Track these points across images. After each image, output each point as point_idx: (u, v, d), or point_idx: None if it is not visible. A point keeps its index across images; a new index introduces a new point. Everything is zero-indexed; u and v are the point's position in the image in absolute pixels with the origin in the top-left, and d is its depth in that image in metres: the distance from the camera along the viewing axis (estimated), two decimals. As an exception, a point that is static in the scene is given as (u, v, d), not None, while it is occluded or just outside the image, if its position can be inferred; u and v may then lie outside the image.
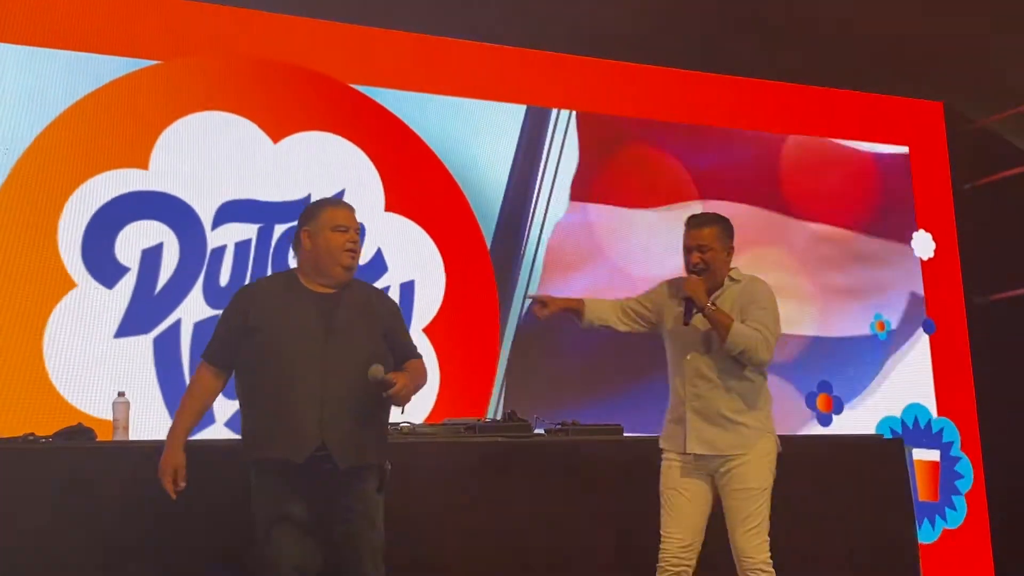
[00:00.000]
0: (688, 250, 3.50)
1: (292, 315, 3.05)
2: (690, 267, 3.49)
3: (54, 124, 4.67)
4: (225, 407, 4.70)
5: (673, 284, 3.60)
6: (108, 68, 4.81)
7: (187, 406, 3.11)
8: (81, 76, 4.76)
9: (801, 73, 6.66)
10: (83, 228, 4.66)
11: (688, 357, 3.45)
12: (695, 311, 3.39)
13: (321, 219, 3.11)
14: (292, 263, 5.00)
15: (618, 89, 6.17)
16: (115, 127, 4.80)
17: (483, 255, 5.48)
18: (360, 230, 3.20)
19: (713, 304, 3.38)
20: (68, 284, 4.58)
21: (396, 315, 3.26)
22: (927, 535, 6.41)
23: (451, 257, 5.37)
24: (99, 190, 4.72)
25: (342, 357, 3.00)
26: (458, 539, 3.74)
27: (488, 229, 5.56)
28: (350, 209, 3.20)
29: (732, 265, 3.56)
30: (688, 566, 3.39)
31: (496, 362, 5.34)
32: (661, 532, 3.43)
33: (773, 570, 3.34)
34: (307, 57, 5.30)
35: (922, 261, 6.85)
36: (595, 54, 6.11)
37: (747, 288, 3.50)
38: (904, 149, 6.94)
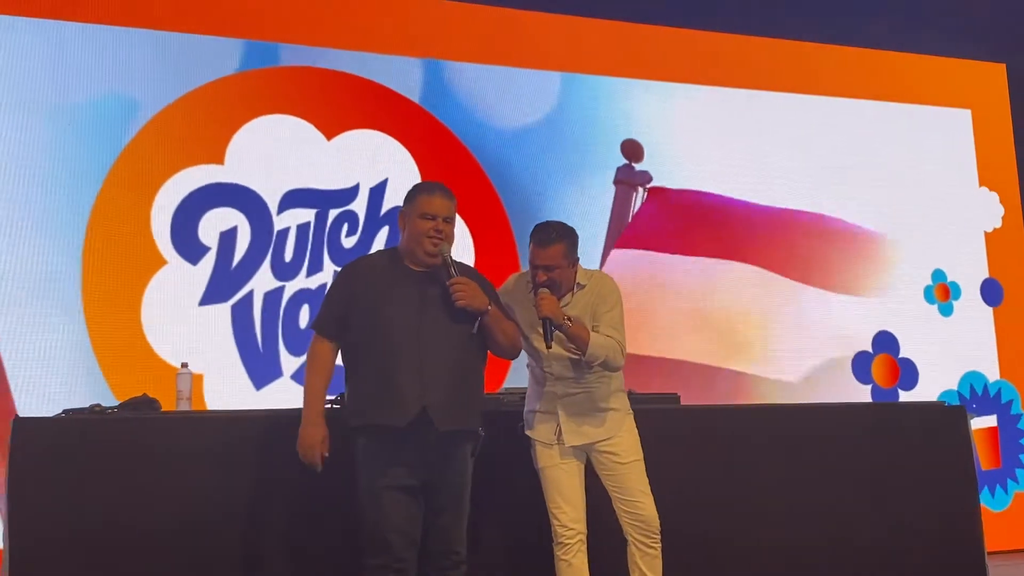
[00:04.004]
0: (534, 267, 3.42)
1: (393, 289, 3.18)
2: (536, 284, 3.42)
3: (144, 129, 5.25)
4: (291, 362, 5.36)
5: (519, 284, 3.56)
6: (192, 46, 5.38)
7: (315, 383, 3.17)
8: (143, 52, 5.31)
9: (862, 36, 6.77)
10: (171, 214, 5.24)
11: (555, 360, 3.46)
12: (554, 330, 3.33)
13: (415, 204, 3.23)
14: (346, 242, 5.53)
15: (670, 54, 6.37)
16: (195, 130, 5.36)
17: (508, 237, 5.85)
18: (451, 218, 3.25)
19: (569, 319, 3.35)
20: (160, 261, 5.21)
21: (490, 292, 3.35)
22: (1000, 503, 6.45)
23: (480, 239, 5.76)
24: (184, 183, 5.30)
25: (438, 328, 3.15)
26: (516, 504, 3.73)
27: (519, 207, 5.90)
28: (445, 197, 3.24)
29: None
30: (584, 532, 3.45)
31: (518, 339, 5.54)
32: (551, 508, 3.47)
33: None
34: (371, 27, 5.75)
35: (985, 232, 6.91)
36: (648, 20, 6.33)
37: (594, 289, 3.51)
38: (966, 112, 6.98)
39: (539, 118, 6.11)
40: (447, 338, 3.19)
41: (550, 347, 3.35)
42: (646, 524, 3.47)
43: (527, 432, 3.59)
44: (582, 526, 3.47)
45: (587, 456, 3.57)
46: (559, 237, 3.44)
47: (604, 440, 3.52)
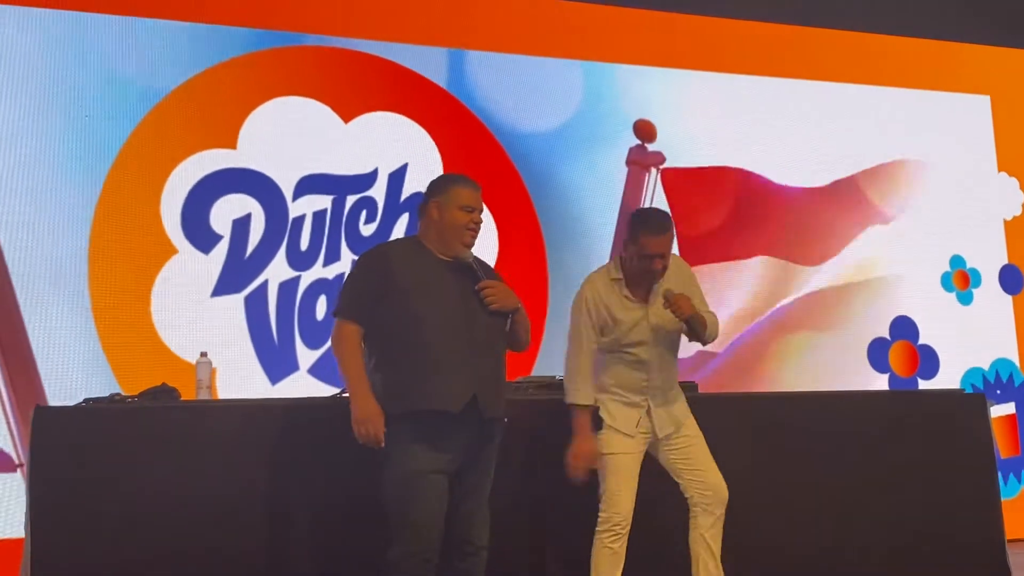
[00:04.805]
0: (650, 257, 3.48)
1: (431, 278, 3.20)
2: (651, 270, 3.49)
3: (153, 112, 5.12)
4: (307, 356, 5.25)
5: (604, 283, 3.58)
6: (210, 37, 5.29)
7: (358, 361, 3.14)
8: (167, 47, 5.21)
9: (879, 23, 6.73)
10: (182, 202, 5.12)
11: (655, 353, 3.54)
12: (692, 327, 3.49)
13: (452, 195, 3.26)
14: (364, 229, 5.28)
15: (687, 42, 6.32)
16: (206, 113, 5.24)
17: (532, 220, 5.79)
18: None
19: (694, 315, 3.49)
20: (170, 251, 5.08)
21: (500, 280, 3.40)
22: (1017, 490, 6.43)
23: (503, 223, 5.70)
24: (194, 168, 5.16)
25: (480, 318, 3.20)
26: (537, 494, 3.79)
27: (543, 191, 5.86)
28: (478, 189, 3.33)
29: None
30: (629, 523, 3.50)
31: (544, 321, 5.60)
32: (609, 494, 3.48)
33: None
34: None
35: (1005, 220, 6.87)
36: (658, 6, 6.25)
37: (675, 271, 3.59)
38: (985, 98, 6.94)
39: (557, 106, 6.02)
40: (488, 327, 3.24)
41: (706, 343, 3.57)
42: (717, 492, 3.54)
43: (602, 415, 3.55)
44: (631, 515, 3.52)
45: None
46: (669, 224, 3.55)
47: (682, 423, 3.62)
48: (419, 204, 3.34)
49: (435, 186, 3.34)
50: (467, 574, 3.23)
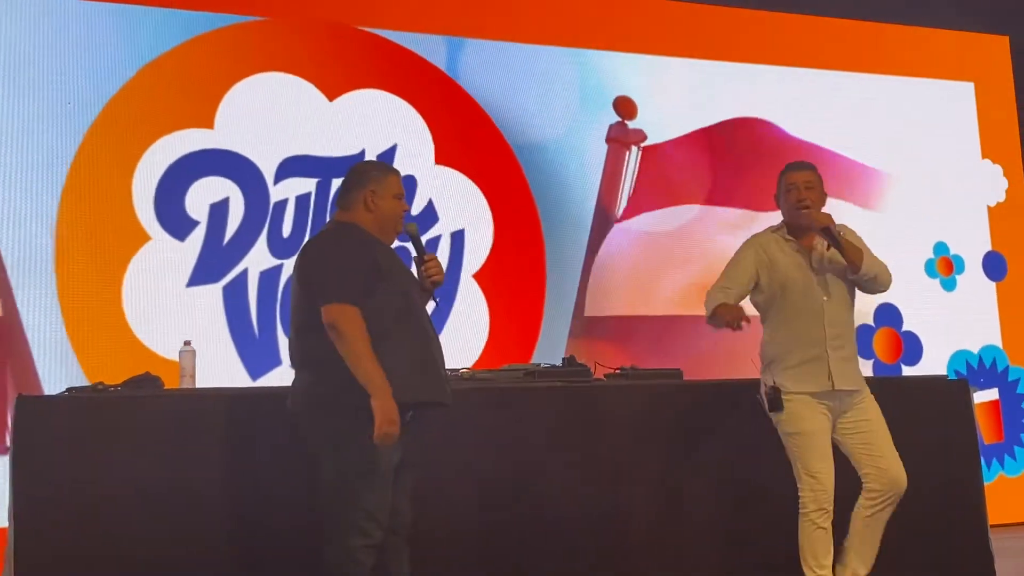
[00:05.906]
0: (794, 187, 3.68)
1: (399, 267, 3.18)
2: (799, 200, 3.67)
3: (124, 89, 4.94)
4: None
5: (767, 239, 3.75)
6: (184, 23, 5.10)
7: (369, 353, 2.95)
8: (151, 32, 5.05)
9: (863, 9, 6.69)
10: (155, 185, 4.94)
11: (825, 299, 3.62)
12: (832, 238, 3.61)
13: (387, 184, 3.24)
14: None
15: (675, 29, 6.23)
16: (181, 90, 5.06)
17: (529, 204, 5.65)
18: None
19: (839, 233, 3.64)
20: (143, 238, 4.89)
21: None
22: (1012, 470, 6.47)
23: (498, 206, 5.57)
24: (168, 149, 4.99)
25: (425, 306, 3.23)
26: (519, 483, 3.81)
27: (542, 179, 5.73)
28: None
29: None
30: (833, 501, 3.54)
31: (542, 308, 5.51)
32: (810, 473, 3.52)
33: None
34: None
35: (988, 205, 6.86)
36: None
37: (848, 232, 3.74)
38: (969, 84, 6.93)
39: (554, 93, 5.87)
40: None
41: (868, 279, 3.64)
42: (895, 482, 3.56)
43: (794, 388, 3.58)
44: (833, 493, 3.58)
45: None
46: (810, 165, 3.83)
47: (859, 392, 3.64)
48: (346, 191, 3.26)
49: (368, 174, 3.28)
50: (403, 549, 3.18)
